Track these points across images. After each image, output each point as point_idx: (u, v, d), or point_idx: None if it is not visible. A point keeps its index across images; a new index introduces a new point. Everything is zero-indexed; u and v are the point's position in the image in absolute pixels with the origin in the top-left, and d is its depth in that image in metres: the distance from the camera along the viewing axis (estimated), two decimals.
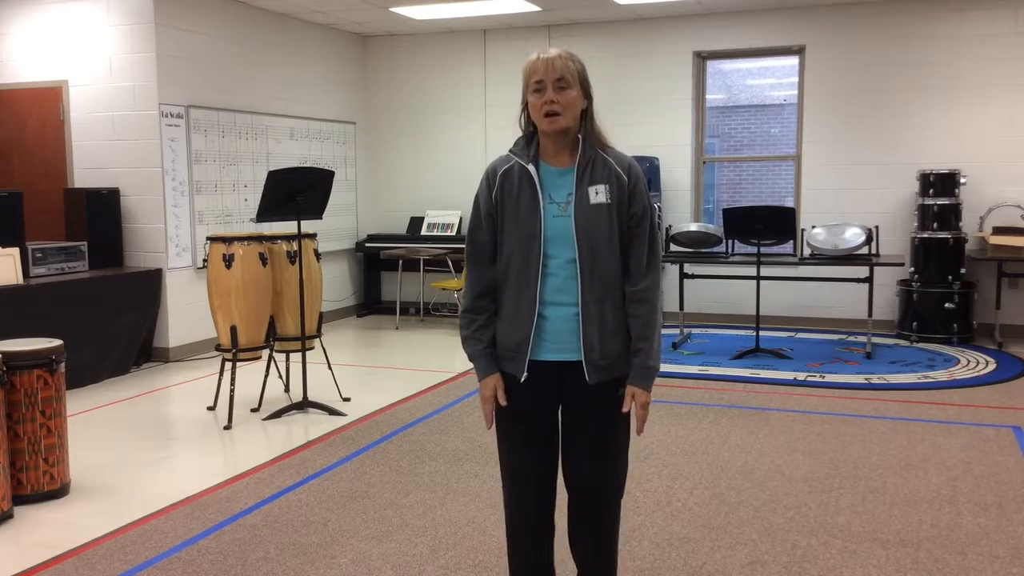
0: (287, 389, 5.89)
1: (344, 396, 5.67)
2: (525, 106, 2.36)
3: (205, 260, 5.44)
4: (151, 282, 6.79)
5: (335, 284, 8.96)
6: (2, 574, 3.21)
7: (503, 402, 2.40)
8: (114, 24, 6.83)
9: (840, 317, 8.07)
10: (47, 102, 7.06)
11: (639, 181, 2.38)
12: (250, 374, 6.05)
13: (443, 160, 9.27)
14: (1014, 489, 3.94)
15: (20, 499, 3.86)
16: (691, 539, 3.43)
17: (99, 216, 6.69)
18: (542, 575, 2.56)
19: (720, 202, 15.04)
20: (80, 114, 6.99)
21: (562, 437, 2.47)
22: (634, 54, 8.50)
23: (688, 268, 7.58)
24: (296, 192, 5.11)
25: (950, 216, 7.33)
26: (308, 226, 5.61)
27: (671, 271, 7.89)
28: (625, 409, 2.39)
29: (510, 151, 2.41)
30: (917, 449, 4.52)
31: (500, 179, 2.38)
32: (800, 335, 7.79)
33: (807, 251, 7.12)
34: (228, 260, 5.26)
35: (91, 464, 4.44)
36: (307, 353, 5.47)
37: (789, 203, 8.95)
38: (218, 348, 5.42)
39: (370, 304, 9.45)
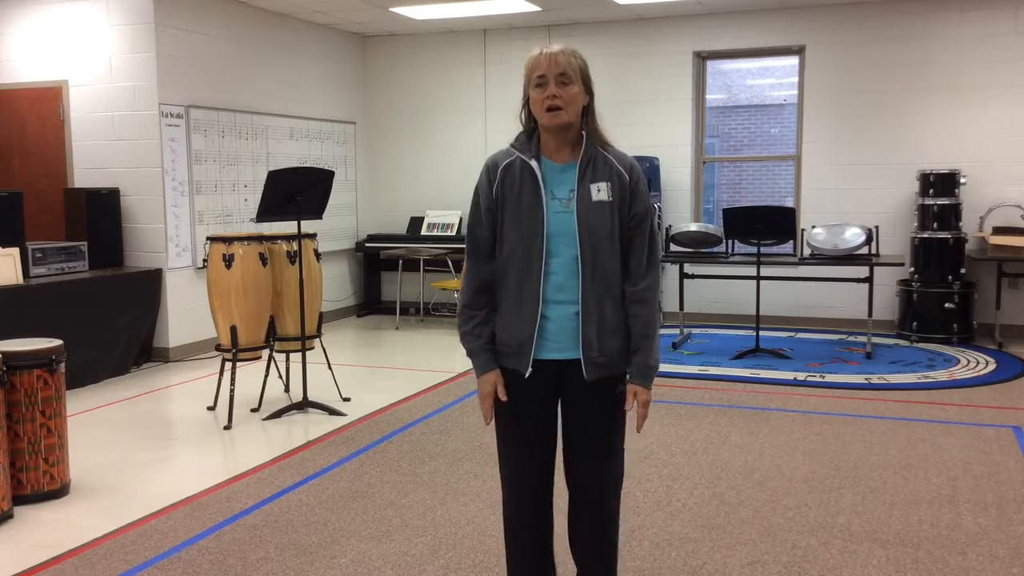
0: (287, 389, 5.89)
1: (344, 396, 5.68)
2: (526, 101, 2.36)
3: (205, 260, 5.44)
4: (151, 282, 6.79)
5: (335, 284, 8.96)
6: (2, 574, 3.21)
7: (503, 398, 2.40)
8: (114, 24, 6.83)
9: (840, 317, 8.07)
10: (47, 102, 7.06)
11: (640, 181, 2.38)
12: (250, 374, 6.05)
13: (443, 160, 9.27)
14: (1014, 489, 3.94)
15: (20, 499, 3.86)
16: (691, 539, 3.43)
17: (99, 216, 6.69)
18: (541, 573, 2.56)
19: (720, 202, 15.03)
20: (80, 114, 6.99)
21: (562, 437, 2.47)
22: (634, 54, 8.50)
23: (688, 268, 7.57)
24: (296, 192, 5.11)
25: (950, 216, 7.33)
26: (308, 226, 5.61)
27: (671, 271, 7.89)
28: (627, 408, 2.39)
29: (511, 145, 2.40)
30: (917, 449, 4.52)
31: (501, 173, 2.37)
32: (800, 335, 7.78)
33: (807, 251, 7.12)
34: (228, 260, 5.27)
35: (91, 464, 4.44)
36: (307, 353, 5.47)
37: (789, 203, 8.95)
38: (218, 348, 5.43)
39: (370, 304, 9.45)
